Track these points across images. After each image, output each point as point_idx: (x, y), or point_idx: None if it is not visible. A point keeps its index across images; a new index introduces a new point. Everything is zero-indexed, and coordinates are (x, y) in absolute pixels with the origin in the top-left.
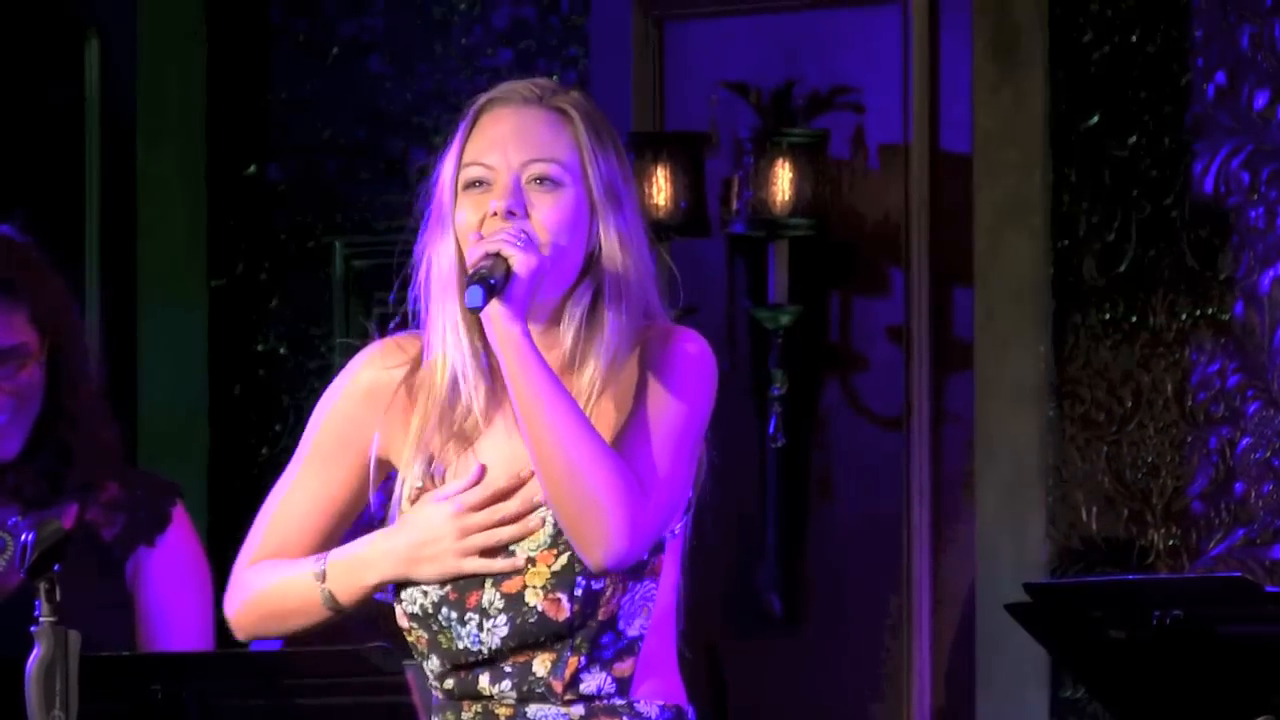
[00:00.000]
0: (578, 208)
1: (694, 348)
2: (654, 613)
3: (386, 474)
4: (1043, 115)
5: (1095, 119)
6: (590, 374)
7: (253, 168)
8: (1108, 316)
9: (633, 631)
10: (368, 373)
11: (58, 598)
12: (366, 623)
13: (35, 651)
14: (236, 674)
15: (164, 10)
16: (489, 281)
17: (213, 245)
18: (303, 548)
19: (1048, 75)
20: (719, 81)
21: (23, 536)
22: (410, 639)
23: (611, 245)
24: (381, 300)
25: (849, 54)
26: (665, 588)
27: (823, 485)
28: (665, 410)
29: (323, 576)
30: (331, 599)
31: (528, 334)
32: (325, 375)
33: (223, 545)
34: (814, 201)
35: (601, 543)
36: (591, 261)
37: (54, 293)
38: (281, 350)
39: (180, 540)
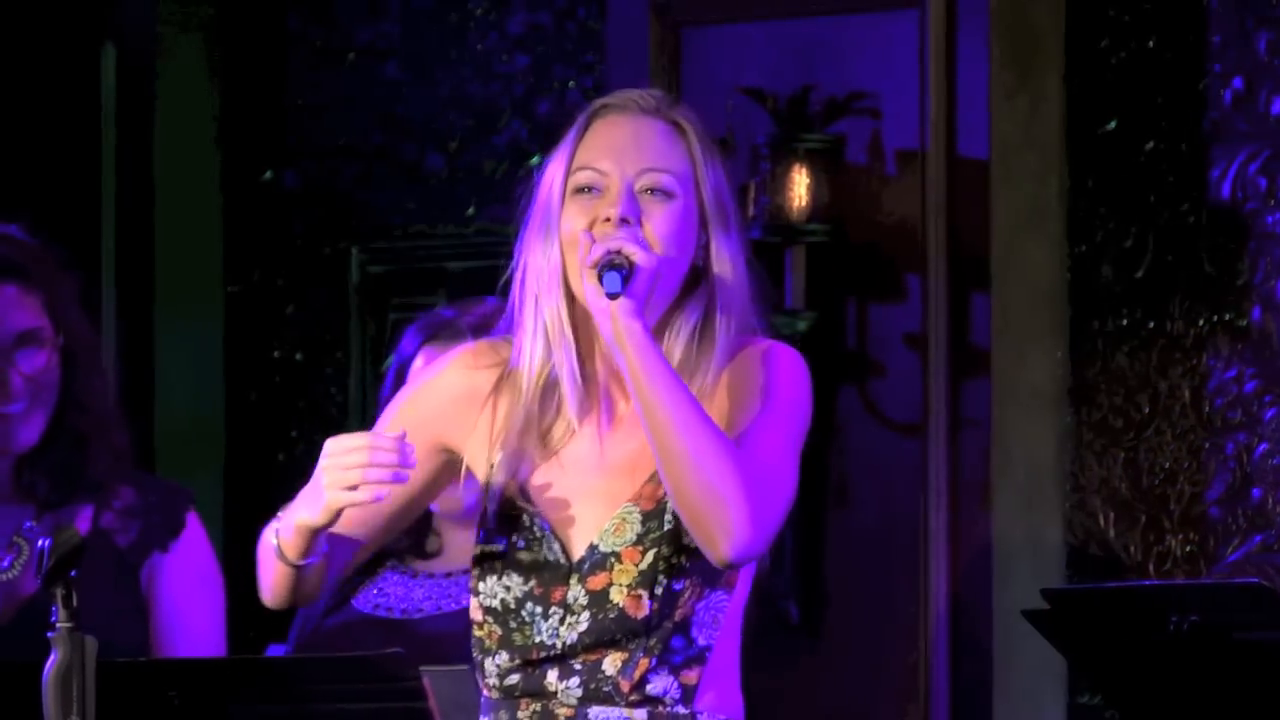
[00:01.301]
0: (687, 219)
1: (791, 362)
2: (723, 626)
3: (454, 474)
4: (1060, 121)
5: (1112, 125)
6: (697, 387)
7: (269, 174)
8: (1125, 322)
9: (703, 640)
10: (456, 372)
11: (74, 603)
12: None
13: (52, 657)
14: (252, 680)
15: (180, 17)
16: (622, 271)
17: (229, 251)
18: (346, 524)
19: (1065, 81)
20: (735, 87)
21: (39, 543)
22: (480, 633)
23: (721, 261)
24: (397, 306)
25: (865, 60)
26: (736, 603)
27: (840, 491)
28: (772, 416)
29: (279, 521)
30: (279, 548)
31: (648, 329)
32: (341, 381)
33: (239, 551)
34: (831, 207)
35: (726, 533)
36: (697, 276)
37: (66, 287)
38: (298, 356)
39: (194, 546)
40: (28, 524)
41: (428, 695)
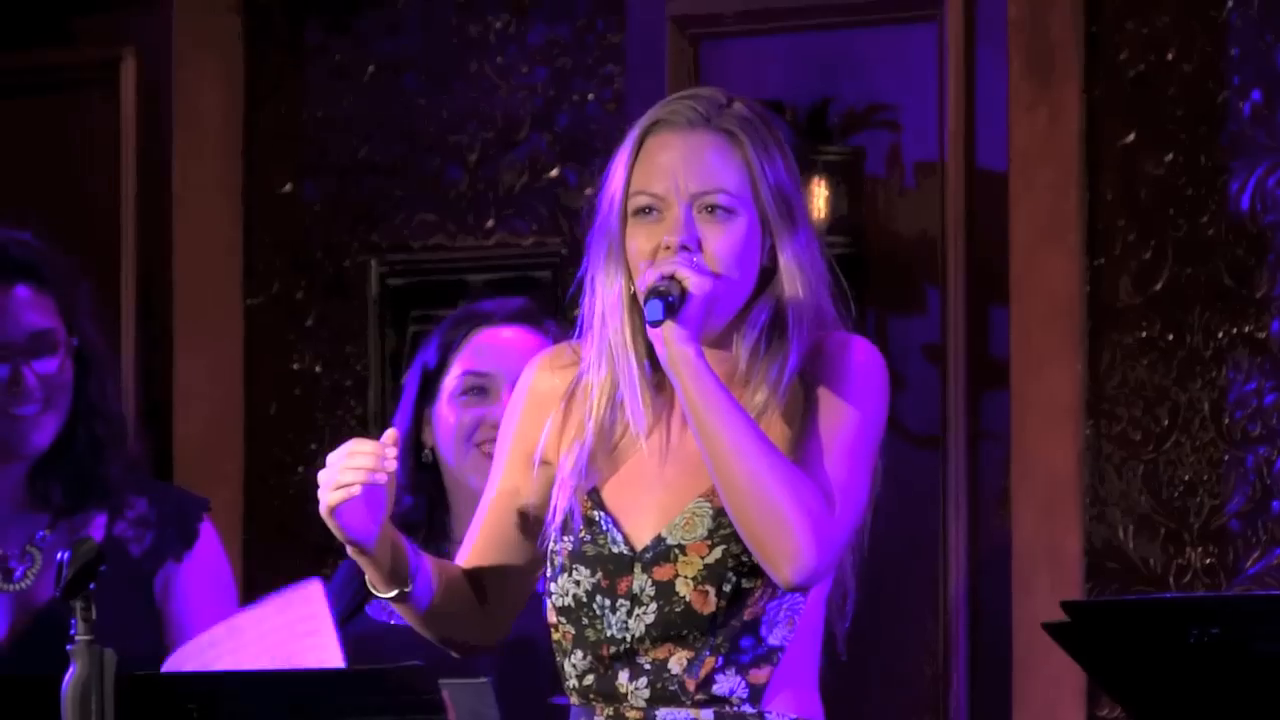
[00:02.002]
0: (749, 233)
1: (867, 356)
2: (799, 626)
3: (550, 476)
4: (1079, 133)
5: (1131, 137)
6: (765, 392)
7: (289, 186)
8: (1144, 335)
9: (774, 640)
10: (536, 378)
11: (93, 616)
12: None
13: (71, 670)
14: (272, 693)
15: (200, 28)
16: (668, 298)
17: (248, 264)
18: (488, 551)
19: (1084, 93)
20: (754, 99)
21: (58, 555)
22: (556, 636)
23: (787, 264)
24: (417, 318)
25: (885, 72)
26: (814, 602)
27: None
28: (843, 420)
29: None
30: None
31: (701, 354)
32: (361, 394)
33: (259, 563)
34: (850, 219)
35: (790, 558)
36: (765, 278)
37: (79, 292)
38: (317, 369)
39: (208, 555)
40: (40, 533)
41: (447, 709)
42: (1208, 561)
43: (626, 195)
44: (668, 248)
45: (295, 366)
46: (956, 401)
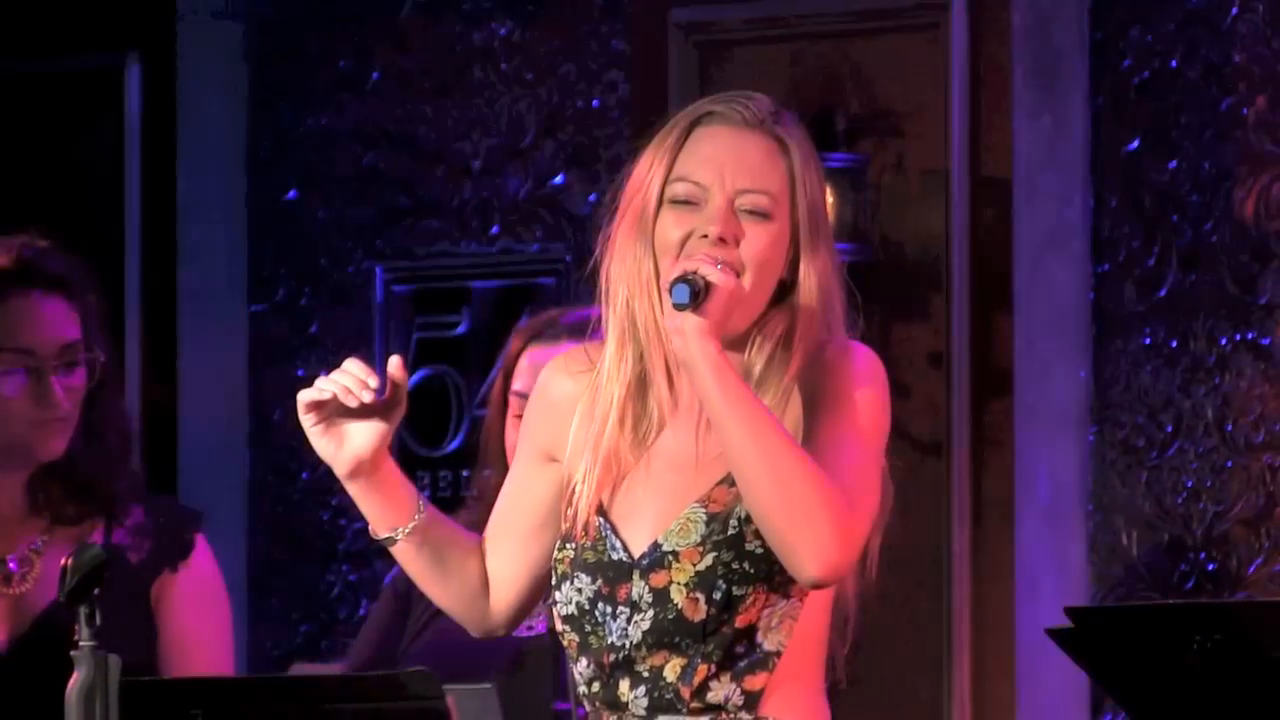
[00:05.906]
0: (780, 241)
1: (868, 363)
2: (797, 632)
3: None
4: (1083, 141)
5: (1135, 144)
6: (771, 399)
7: (293, 193)
8: (1148, 342)
9: (769, 646)
10: (551, 381)
11: (97, 622)
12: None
13: (75, 676)
14: (277, 699)
15: (204, 36)
16: (694, 286)
17: (253, 271)
18: (506, 540)
19: (1088, 101)
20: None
21: (62, 560)
22: (564, 643)
23: (809, 278)
24: (422, 325)
25: (889, 80)
26: (813, 608)
27: None
28: (850, 423)
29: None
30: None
31: (720, 350)
32: None
33: (263, 570)
34: (854, 227)
35: (812, 552)
36: (784, 290)
37: (99, 308)
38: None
39: (203, 567)
40: (39, 539)
41: (451, 714)
42: (1211, 568)
43: (666, 180)
44: (705, 236)
45: (300, 373)
46: (960, 409)
